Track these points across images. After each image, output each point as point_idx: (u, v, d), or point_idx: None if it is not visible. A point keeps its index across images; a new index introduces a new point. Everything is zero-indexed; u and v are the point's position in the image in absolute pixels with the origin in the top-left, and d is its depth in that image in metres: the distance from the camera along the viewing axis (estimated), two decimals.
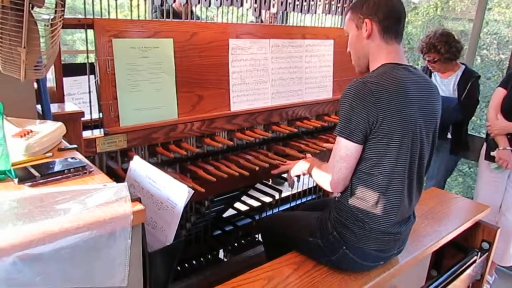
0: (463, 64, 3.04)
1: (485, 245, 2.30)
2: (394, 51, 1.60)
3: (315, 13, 2.38)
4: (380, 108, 1.45)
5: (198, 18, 2.13)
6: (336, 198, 1.69)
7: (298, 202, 2.79)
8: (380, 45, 1.60)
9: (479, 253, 2.26)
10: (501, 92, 2.79)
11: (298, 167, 1.87)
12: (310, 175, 1.79)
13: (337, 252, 1.65)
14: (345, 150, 1.51)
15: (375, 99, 1.45)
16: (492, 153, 2.79)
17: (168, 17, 1.85)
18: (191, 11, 2.27)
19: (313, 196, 2.94)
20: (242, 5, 2.03)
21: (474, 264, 2.23)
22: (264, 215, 2.55)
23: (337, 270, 1.69)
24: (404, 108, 1.49)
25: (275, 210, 2.64)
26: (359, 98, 1.46)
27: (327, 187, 1.61)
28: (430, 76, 3.09)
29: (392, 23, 1.58)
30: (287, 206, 2.75)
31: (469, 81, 2.93)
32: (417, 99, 1.54)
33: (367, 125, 1.47)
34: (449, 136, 3.07)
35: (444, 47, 2.86)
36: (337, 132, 1.52)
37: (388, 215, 1.58)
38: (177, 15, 1.89)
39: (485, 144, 2.90)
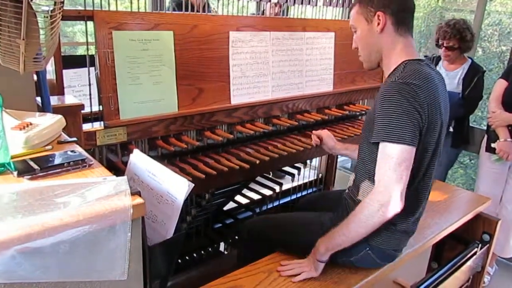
0: (469, 57, 3.04)
1: (486, 237, 2.30)
2: (410, 44, 1.56)
3: (316, 5, 2.36)
4: (426, 109, 1.41)
5: (210, 11, 2.11)
6: (353, 197, 1.64)
7: (299, 195, 2.79)
8: (394, 38, 1.54)
9: (480, 245, 2.27)
10: (502, 84, 2.79)
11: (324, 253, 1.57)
12: (347, 239, 1.52)
13: (359, 253, 1.61)
14: (406, 155, 1.38)
15: (421, 100, 1.40)
16: (493, 145, 2.79)
17: (186, 9, 1.86)
18: (208, 4, 2.25)
19: (314, 189, 2.94)
20: None
21: (474, 256, 2.23)
22: (264, 208, 2.55)
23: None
24: (438, 106, 1.46)
25: (276, 203, 2.64)
26: (409, 100, 1.38)
27: (388, 213, 1.39)
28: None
29: (405, 15, 1.54)
30: (288, 199, 2.75)
31: (476, 76, 2.94)
32: (441, 95, 1.52)
33: (420, 127, 1.41)
34: (450, 129, 3.07)
35: (468, 35, 2.89)
36: (394, 140, 1.38)
37: (413, 214, 1.57)
38: (192, 7, 1.88)
39: (485, 136, 2.90)
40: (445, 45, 2.95)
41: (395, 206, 1.39)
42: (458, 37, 2.89)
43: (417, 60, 1.53)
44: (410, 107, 1.38)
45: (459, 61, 3.01)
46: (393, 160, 1.38)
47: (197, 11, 1.90)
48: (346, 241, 1.51)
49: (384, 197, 1.39)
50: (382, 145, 1.41)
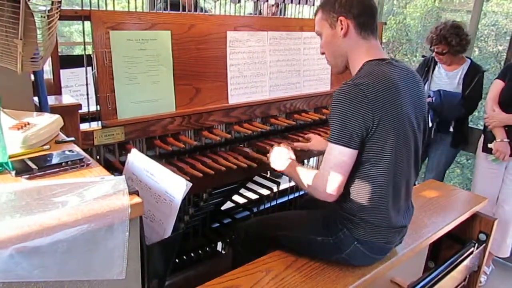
0: (468, 58, 3.04)
1: (482, 237, 2.31)
2: (374, 47, 1.58)
3: (313, 5, 2.37)
4: (376, 110, 1.42)
5: (201, 10, 2.11)
6: (344, 196, 1.65)
7: (296, 194, 2.79)
8: (357, 42, 1.56)
9: (476, 245, 2.27)
10: (499, 84, 2.79)
11: (280, 164, 1.80)
12: (295, 181, 1.72)
13: (349, 248, 1.63)
14: (341, 156, 1.46)
15: (369, 101, 1.41)
16: (489, 145, 2.80)
17: (183, 10, 1.86)
18: (196, 3, 2.25)
19: None
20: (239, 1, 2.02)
21: (471, 256, 2.24)
22: (262, 207, 2.55)
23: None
24: (397, 105, 1.47)
25: (273, 203, 2.64)
26: (353, 103, 1.42)
27: (320, 196, 1.55)
28: (434, 69, 3.09)
29: (367, 19, 1.55)
30: (285, 198, 2.75)
31: (476, 76, 2.94)
32: (407, 92, 1.52)
33: (363, 130, 1.43)
34: (451, 129, 3.07)
35: (454, 39, 2.86)
36: (332, 140, 1.47)
37: (390, 212, 1.58)
38: (183, 7, 1.88)
39: (482, 136, 2.91)
40: (435, 50, 2.97)
41: (326, 197, 1.53)
42: (444, 42, 2.89)
43: (378, 60, 1.54)
44: (354, 109, 1.42)
45: (457, 62, 3.01)
46: (332, 159, 1.48)
47: (189, 10, 1.89)
48: (296, 182, 1.71)
49: (320, 187, 1.52)
50: (328, 144, 1.50)
